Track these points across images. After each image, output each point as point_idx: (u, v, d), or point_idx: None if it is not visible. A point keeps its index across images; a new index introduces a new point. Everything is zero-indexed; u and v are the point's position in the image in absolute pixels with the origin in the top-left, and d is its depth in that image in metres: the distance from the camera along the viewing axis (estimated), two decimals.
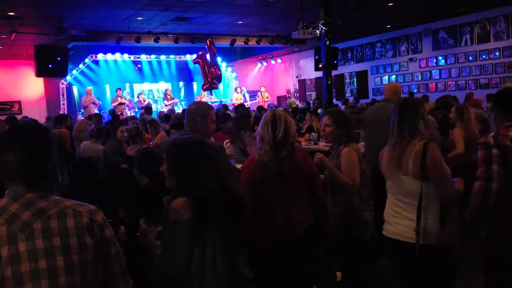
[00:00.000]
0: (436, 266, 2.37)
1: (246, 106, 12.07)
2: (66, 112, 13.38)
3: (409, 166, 2.32)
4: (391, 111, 2.54)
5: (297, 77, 19.70)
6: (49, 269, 1.30)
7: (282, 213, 2.61)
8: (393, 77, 15.21)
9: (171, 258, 1.83)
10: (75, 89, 15.40)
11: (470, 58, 12.89)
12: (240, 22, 12.21)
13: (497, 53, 12.22)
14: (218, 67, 14.46)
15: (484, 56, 12.54)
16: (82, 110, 13.93)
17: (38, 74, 11.37)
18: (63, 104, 14.94)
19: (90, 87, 14.49)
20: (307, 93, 18.99)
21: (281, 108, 5.57)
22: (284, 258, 2.60)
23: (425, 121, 2.42)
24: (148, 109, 10.96)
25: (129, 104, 14.40)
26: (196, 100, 15.30)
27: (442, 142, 4.75)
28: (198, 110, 3.00)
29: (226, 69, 17.82)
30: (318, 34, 9.55)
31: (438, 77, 13.81)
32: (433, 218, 2.34)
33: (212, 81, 14.24)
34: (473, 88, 12.59)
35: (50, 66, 10.63)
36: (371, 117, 4.53)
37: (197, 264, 1.82)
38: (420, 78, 14.43)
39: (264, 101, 16.06)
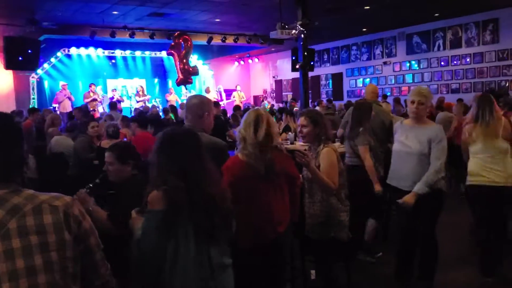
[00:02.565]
0: None
1: (222, 106, 12.00)
2: (36, 107, 12.99)
3: (500, 132, 3.64)
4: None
5: (274, 77, 19.74)
6: (27, 268, 1.26)
7: (266, 214, 2.58)
8: (367, 80, 15.44)
9: (146, 246, 1.93)
10: (46, 84, 14.98)
11: (442, 63, 13.22)
12: (217, 20, 12.13)
13: (467, 59, 12.57)
14: (187, 62, 13.75)
15: (455, 62, 12.88)
16: (55, 105, 13.57)
17: (7, 67, 11.03)
18: (33, 98, 14.50)
19: (65, 82, 14.15)
20: (283, 93, 19.07)
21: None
22: (262, 258, 2.58)
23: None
24: (113, 105, 10.78)
25: (101, 100, 14.12)
26: (165, 97, 15.21)
27: None
28: (203, 104, 2.85)
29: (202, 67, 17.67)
30: (296, 35, 9.60)
31: (411, 81, 14.10)
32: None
33: (186, 75, 13.73)
34: (445, 92, 12.91)
35: (20, 58, 10.32)
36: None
37: (171, 254, 1.91)
38: (393, 81, 14.70)
39: (241, 101, 16.01)
